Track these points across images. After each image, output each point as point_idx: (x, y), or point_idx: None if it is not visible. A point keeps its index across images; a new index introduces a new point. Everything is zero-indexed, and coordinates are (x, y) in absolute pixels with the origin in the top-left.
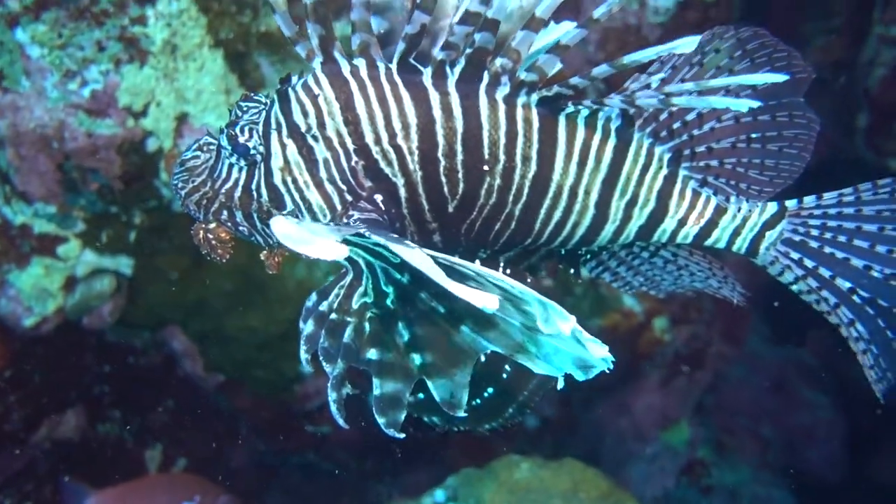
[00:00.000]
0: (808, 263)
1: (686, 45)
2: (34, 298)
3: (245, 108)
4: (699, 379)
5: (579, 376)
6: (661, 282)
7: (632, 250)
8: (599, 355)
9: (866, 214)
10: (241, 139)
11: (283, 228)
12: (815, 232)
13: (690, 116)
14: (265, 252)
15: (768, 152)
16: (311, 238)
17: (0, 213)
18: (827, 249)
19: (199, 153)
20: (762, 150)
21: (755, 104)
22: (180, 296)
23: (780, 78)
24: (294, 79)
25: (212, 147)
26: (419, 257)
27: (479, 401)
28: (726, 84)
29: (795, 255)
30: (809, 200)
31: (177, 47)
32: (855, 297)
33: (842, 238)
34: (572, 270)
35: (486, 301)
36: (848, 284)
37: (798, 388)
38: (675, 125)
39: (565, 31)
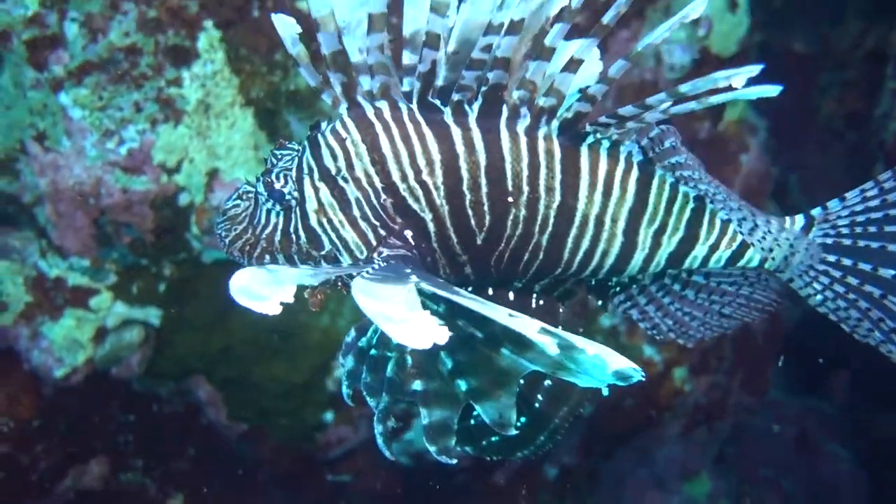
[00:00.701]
0: (846, 262)
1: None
2: (65, 350)
3: (279, 156)
4: (719, 429)
5: (620, 383)
6: (689, 323)
7: (663, 283)
8: (629, 367)
9: (891, 201)
10: (277, 185)
11: (364, 293)
12: (845, 230)
13: (701, 184)
14: (308, 290)
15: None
16: (393, 310)
17: (36, 267)
18: (861, 243)
19: (239, 202)
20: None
21: (777, 89)
22: (206, 346)
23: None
24: (323, 125)
25: (250, 195)
26: (463, 299)
27: (521, 422)
28: (726, 75)
29: (832, 258)
30: (834, 204)
31: (210, 106)
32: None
33: (872, 229)
34: (600, 302)
35: (534, 331)
36: (892, 272)
37: (820, 439)
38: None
39: (577, 48)
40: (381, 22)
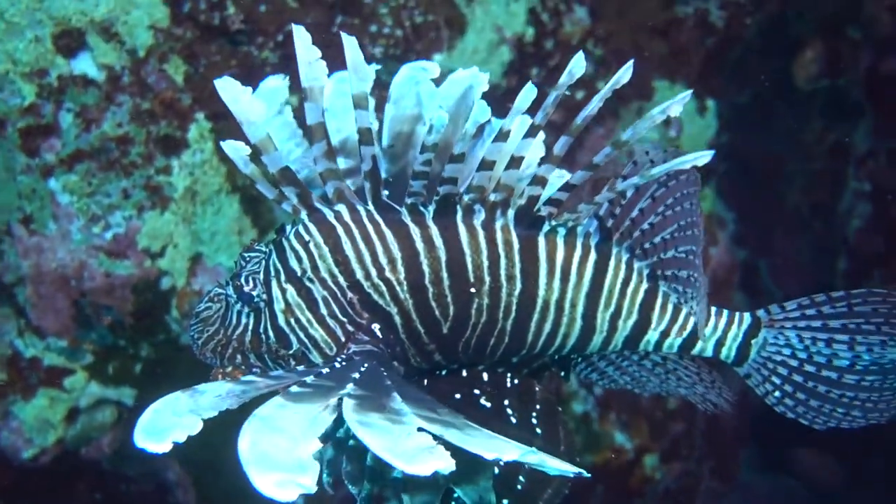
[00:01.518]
0: (801, 355)
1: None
2: (36, 430)
3: (248, 259)
4: None
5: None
6: (646, 383)
7: (622, 354)
8: (569, 470)
9: (831, 326)
10: (246, 288)
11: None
12: (794, 337)
13: (657, 239)
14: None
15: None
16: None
17: (12, 346)
18: (813, 348)
19: (210, 304)
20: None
21: (709, 154)
22: None
23: (707, 157)
24: (287, 228)
25: (221, 297)
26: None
27: (507, 501)
28: (666, 169)
29: (787, 352)
30: (775, 310)
31: (197, 193)
32: (839, 392)
33: (825, 340)
34: (563, 373)
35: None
36: (834, 374)
37: None
38: (647, 245)
39: (515, 146)
40: (321, 131)
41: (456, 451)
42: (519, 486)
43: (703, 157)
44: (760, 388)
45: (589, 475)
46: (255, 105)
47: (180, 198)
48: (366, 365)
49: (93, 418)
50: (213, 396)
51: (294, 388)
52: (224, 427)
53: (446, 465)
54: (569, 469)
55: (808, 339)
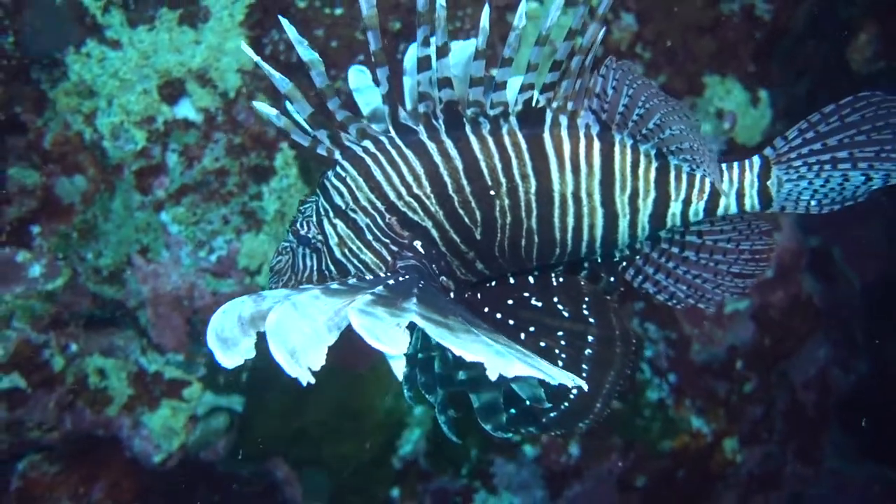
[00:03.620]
0: (818, 182)
1: None
2: (162, 437)
3: (303, 210)
4: (776, 500)
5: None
6: (703, 286)
7: (661, 248)
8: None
9: (830, 144)
10: (302, 231)
11: (360, 322)
12: (802, 166)
13: (651, 125)
14: None
15: (690, 118)
16: (382, 331)
17: (137, 363)
18: (824, 174)
19: (280, 257)
20: (688, 119)
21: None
22: (283, 428)
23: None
24: (328, 172)
25: (288, 249)
26: (441, 327)
27: (566, 404)
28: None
29: (804, 183)
30: (779, 143)
31: (285, 214)
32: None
33: (828, 160)
34: (612, 279)
35: (494, 365)
36: (859, 177)
37: None
38: (647, 129)
39: (499, 73)
40: (332, 90)
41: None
42: (584, 374)
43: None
44: (801, 208)
45: (586, 386)
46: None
47: (272, 220)
48: (406, 276)
49: (209, 424)
50: (273, 300)
51: (333, 286)
52: (323, 427)
53: (402, 344)
54: (567, 380)
55: (815, 167)
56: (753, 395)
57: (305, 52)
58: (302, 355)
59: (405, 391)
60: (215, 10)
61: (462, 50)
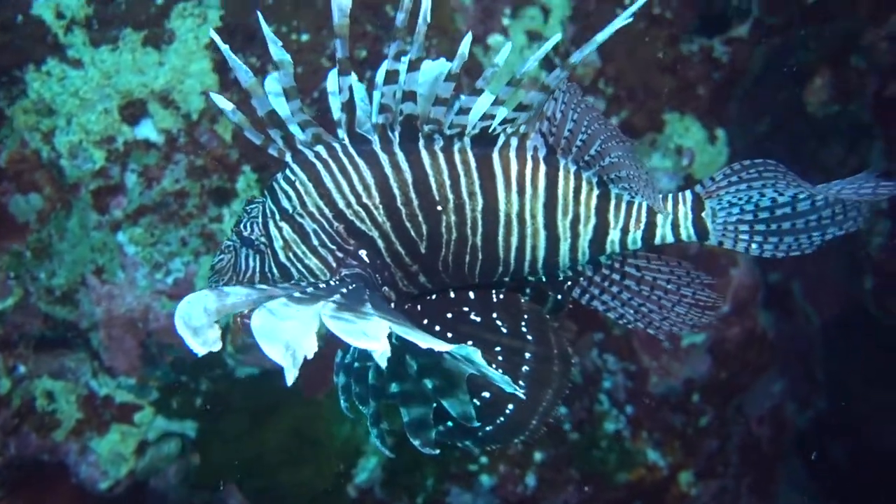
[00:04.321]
0: (749, 207)
1: (555, 39)
2: (110, 463)
3: (249, 210)
4: None
5: (509, 389)
6: (650, 315)
7: (603, 273)
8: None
9: (754, 185)
10: (246, 233)
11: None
12: (733, 197)
13: (593, 151)
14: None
15: (627, 148)
16: (359, 330)
17: (87, 386)
18: (751, 205)
19: (222, 256)
20: (626, 146)
21: (637, 6)
22: (238, 455)
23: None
24: (277, 175)
25: (231, 248)
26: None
27: (503, 418)
28: (604, 36)
29: (735, 217)
30: (707, 183)
31: None
32: (796, 222)
33: (756, 194)
34: (559, 297)
35: (437, 346)
36: (787, 198)
37: None
38: (589, 156)
39: (466, 99)
40: (294, 92)
41: (434, 361)
42: (521, 391)
43: (626, 17)
44: (742, 247)
45: (522, 395)
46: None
47: None
48: (353, 284)
49: (160, 450)
50: (236, 298)
51: (296, 294)
52: (280, 454)
53: (383, 346)
54: (501, 379)
55: (744, 196)
56: (709, 429)
57: (278, 52)
58: (297, 346)
59: (341, 401)
60: (181, 32)
61: (433, 69)
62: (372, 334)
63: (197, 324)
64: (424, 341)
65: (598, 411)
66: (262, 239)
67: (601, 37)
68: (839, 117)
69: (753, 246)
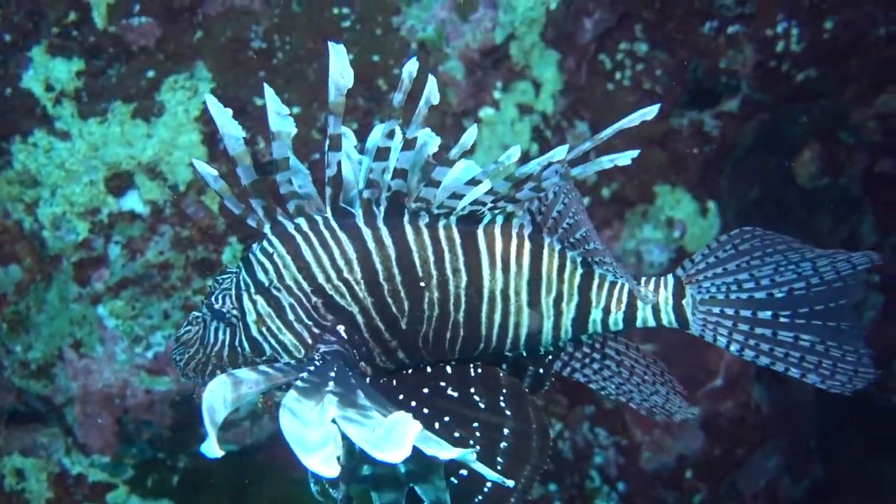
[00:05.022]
0: (729, 312)
1: (561, 152)
2: None
3: (220, 280)
4: None
5: (496, 480)
6: (631, 392)
7: (584, 351)
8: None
9: (729, 269)
10: (217, 306)
11: (289, 427)
12: (711, 286)
13: (578, 235)
14: (260, 398)
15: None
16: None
17: (60, 464)
18: (732, 295)
19: (190, 327)
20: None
21: (635, 153)
22: None
23: (627, 158)
24: (253, 246)
25: (199, 320)
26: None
27: (480, 497)
28: (608, 133)
29: (716, 310)
30: (688, 265)
31: None
32: (782, 319)
33: (732, 282)
34: (541, 370)
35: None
36: (769, 312)
37: None
38: (574, 238)
39: (462, 169)
40: (285, 164)
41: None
42: (499, 467)
43: (626, 158)
44: (723, 342)
45: (511, 484)
46: (236, 123)
47: None
48: (336, 365)
49: None
50: (247, 387)
51: (300, 384)
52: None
53: (334, 470)
54: (495, 477)
55: (723, 286)
56: None
57: (277, 122)
58: (328, 456)
59: (311, 486)
60: (171, 105)
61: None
62: (395, 443)
63: (219, 418)
64: (439, 449)
65: (590, 488)
66: (235, 312)
67: (607, 161)
68: (828, 190)
69: (733, 347)
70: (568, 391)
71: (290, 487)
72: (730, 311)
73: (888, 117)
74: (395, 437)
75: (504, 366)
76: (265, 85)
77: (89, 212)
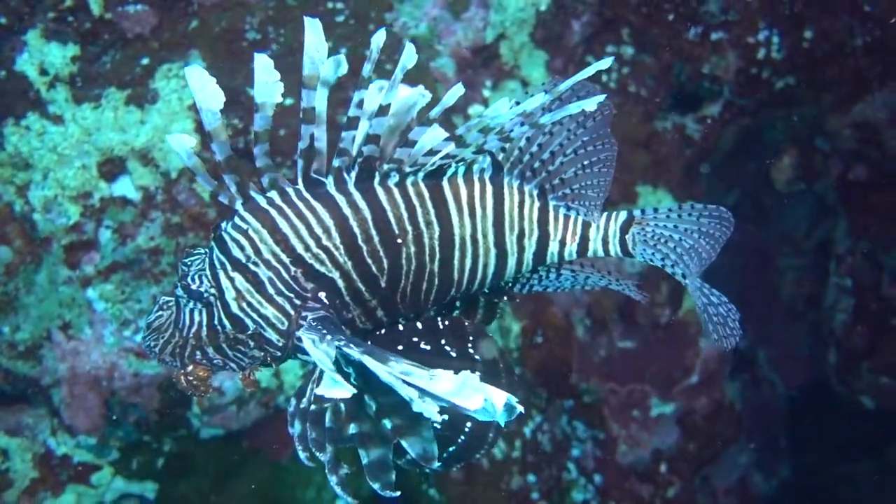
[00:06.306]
0: (662, 249)
1: (538, 99)
2: None
3: (189, 262)
4: None
5: (506, 418)
6: (583, 284)
7: (540, 274)
8: (506, 399)
9: (679, 227)
10: (194, 286)
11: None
12: (651, 231)
13: (545, 156)
14: (241, 374)
15: (595, 174)
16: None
17: (45, 444)
18: (659, 246)
19: (161, 312)
20: (592, 172)
21: (601, 97)
22: None
23: (597, 99)
24: (223, 224)
25: (170, 303)
26: (368, 359)
27: (463, 437)
28: (566, 86)
29: (652, 244)
30: (649, 212)
31: None
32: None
33: (666, 238)
34: (506, 298)
35: (412, 394)
36: (682, 249)
37: None
38: (535, 165)
39: (435, 135)
40: (265, 136)
41: (397, 400)
42: (462, 437)
43: (592, 103)
44: (658, 261)
45: (520, 408)
46: (217, 95)
47: None
48: (330, 326)
49: None
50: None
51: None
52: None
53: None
54: (484, 412)
55: (657, 241)
56: (677, 500)
57: (263, 93)
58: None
59: (299, 452)
60: (164, 92)
61: (408, 98)
62: (472, 391)
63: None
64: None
65: (567, 480)
66: (213, 291)
67: (574, 107)
68: (805, 194)
69: (670, 261)
70: (548, 385)
71: (274, 472)
72: (663, 248)
73: (863, 126)
74: (471, 387)
75: (458, 304)
76: (256, 54)
77: (81, 196)
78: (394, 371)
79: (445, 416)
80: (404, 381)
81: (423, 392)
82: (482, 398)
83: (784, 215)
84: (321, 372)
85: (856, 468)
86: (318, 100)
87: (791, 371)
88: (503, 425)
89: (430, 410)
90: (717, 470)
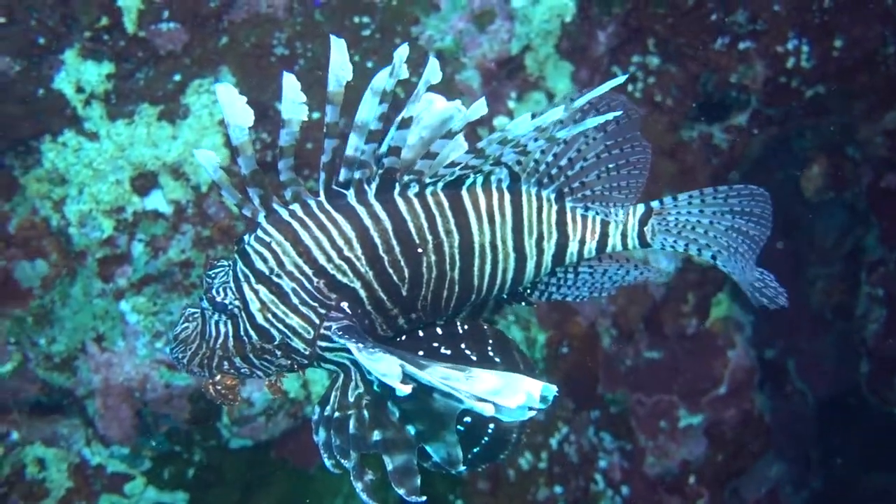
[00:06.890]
0: (688, 235)
1: (557, 113)
2: None
3: (214, 275)
4: None
5: (540, 406)
6: (602, 287)
7: (557, 277)
8: (542, 387)
9: (706, 211)
10: (219, 298)
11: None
12: (672, 223)
13: (563, 162)
14: (266, 381)
15: (622, 176)
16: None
17: (80, 454)
18: (684, 233)
19: (187, 324)
20: (618, 175)
21: (618, 113)
22: None
23: (614, 115)
24: (246, 237)
25: (196, 315)
26: (407, 367)
27: (486, 438)
28: (582, 101)
29: (675, 232)
30: (668, 201)
31: None
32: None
33: (692, 224)
34: (523, 304)
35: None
36: (716, 231)
37: None
38: (553, 171)
39: (457, 148)
40: (290, 151)
41: (422, 405)
42: (485, 438)
43: (610, 118)
44: (681, 248)
45: (556, 390)
46: (246, 111)
47: None
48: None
49: None
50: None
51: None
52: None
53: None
54: (536, 388)
55: (682, 231)
56: None
57: (290, 110)
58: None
59: (324, 459)
60: (195, 108)
61: (441, 112)
62: (514, 390)
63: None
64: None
65: (594, 491)
66: (237, 303)
67: (592, 122)
68: (834, 203)
69: (679, 247)
70: (575, 395)
71: (301, 482)
72: (683, 239)
73: (895, 134)
74: (514, 386)
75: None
76: (284, 73)
77: (114, 210)
78: (434, 375)
79: (468, 419)
80: (447, 384)
81: (463, 393)
82: (524, 395)
83: (813, 224)
84: (344, 379)
85: (889, 480)
86: (364, 108)
87: (819, 381)
88: (542, 411)
89: (481, 407)
90: (747, 482)
